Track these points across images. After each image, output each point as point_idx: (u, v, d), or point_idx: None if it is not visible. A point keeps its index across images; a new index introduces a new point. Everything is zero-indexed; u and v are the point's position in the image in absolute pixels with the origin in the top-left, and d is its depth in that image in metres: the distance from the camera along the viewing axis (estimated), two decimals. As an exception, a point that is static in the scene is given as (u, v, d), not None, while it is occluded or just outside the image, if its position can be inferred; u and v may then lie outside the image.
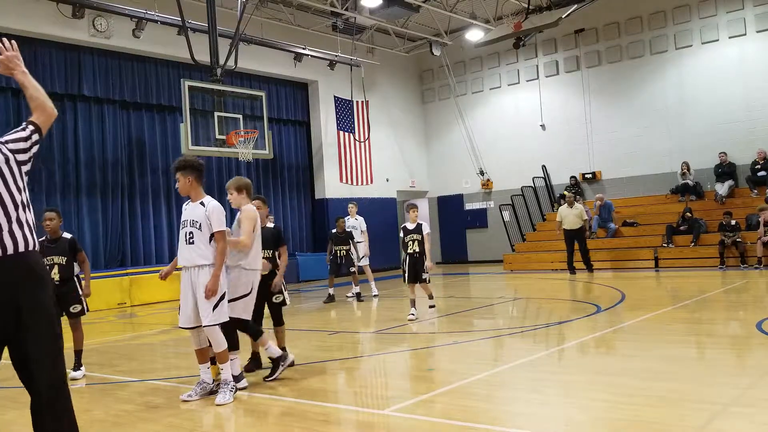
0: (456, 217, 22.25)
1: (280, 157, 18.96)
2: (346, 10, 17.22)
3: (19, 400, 6.02)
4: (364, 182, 20.22)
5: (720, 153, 16.66)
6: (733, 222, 14.93)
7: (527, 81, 20.65)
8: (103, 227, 15.04)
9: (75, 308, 6.92)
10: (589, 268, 15.48)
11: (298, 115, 19.69)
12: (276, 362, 6.03)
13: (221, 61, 14.25)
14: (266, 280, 6.21)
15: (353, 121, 19.71)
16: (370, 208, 19.18)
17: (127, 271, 14.81)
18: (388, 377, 6.23)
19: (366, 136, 20.11)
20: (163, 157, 16.36)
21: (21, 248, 2.99)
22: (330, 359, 7.06)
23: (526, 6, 17.51)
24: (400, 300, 12.70)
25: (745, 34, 16.93)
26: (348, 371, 6.59)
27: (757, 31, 16.77)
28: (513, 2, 18.08)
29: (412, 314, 9.34)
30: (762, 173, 16.12)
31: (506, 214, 19.80)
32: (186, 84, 13.73)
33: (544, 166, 19.99)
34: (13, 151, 3.17)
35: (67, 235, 6.90)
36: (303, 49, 17.99)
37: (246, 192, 5.93)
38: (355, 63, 19.22)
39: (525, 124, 20.51)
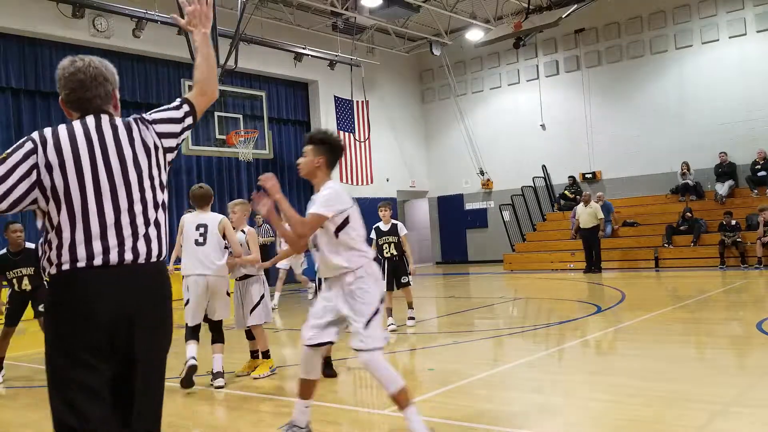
0: (456, 217, 22.25)
1: (280, 157, 18.95)
2: (346, 10, 17.21)
3: (17, 399, 6.02)
4: (364, 182, 20.22)
5: (720, 153, 16.66)
6: (733, 222, 14.93)
7: (527, 81, 20.64)
8: (103, 227, 15.04)
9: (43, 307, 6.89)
10: (598, 268, 15.48)
11: (298, 115, 19.68)
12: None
13: (221, 61, 14.25)
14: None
15: (353, 121, 19.71)
16: (370, 208, 19.16)
17: (127, 271, 14.79)
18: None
19: (366, 136, 20.11)
20: (163, 157, 16.35)
21: (153, 257, 2.42)
22: (330, 359, 7.05)
23: (526, 6, 17.51)
24: (399, 300, 12.72)
25: (745, 34, 16.93)
26: (348, 371, 6.59)
27: (757, 31, 16.77)
28: (513, 2, 18.08)
29: (392, 324, 8.51)
30: (762, 173, 16.11)
31: (506, 214, 19.80)
32: (186, 84, 13.75)
33: (544, 166, 19.99)
34: (162, 135, 2.51)
35: (30, 245, 6.88)
36: (303, 49, 17.99)
37: (247, 215, 6.38)
38: (355, 63, 19.22)
39: (525, 124, 20.50)
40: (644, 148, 18.17)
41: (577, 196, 17.86)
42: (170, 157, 2.55)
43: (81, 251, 2.27)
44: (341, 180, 19.76)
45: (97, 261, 2.27)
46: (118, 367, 2.32)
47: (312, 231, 4.03)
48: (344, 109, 19.39)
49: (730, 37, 17.13)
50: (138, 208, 2.38)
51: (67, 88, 2.58)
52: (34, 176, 2.33)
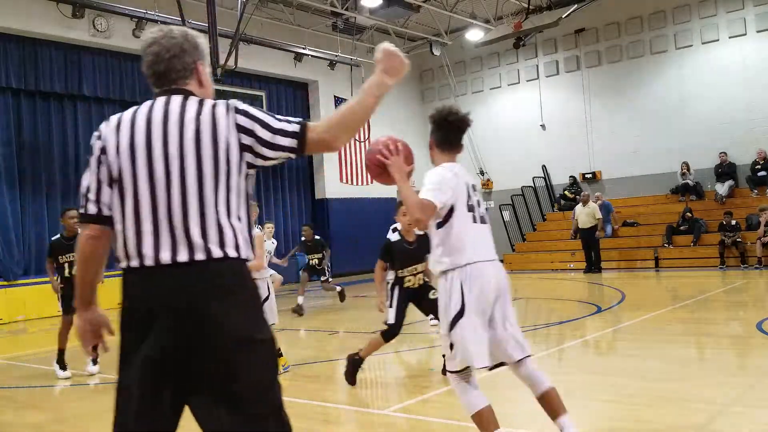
0: (456, 217, 22.21)
1: (280, 157, 18.95)
2: (346, 10, 17.21)
3: (17, 400, 6.02)
4: (364, 182, 20.22)
5: (720, 153, 16.66)
6: (733, 222, 14.93)
7: (527, 81, 20.64)
8: (103, 227, 15.04)
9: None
10: (598, 268, 15.48)
11: (298, 115, 19.58)
12: None
13: (221, 61, 14.25)
14: None
15: (353, 121, 19.70)
16: (370, 208, 19.19)
17: (127, 271, 14.81)
18: (388, 377, 6.23)
19: (366, 136, 20.10)
20: (163, 157, 16.35)
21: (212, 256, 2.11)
22: (330, 359, 7.06)
23: (526, 6, 17.50)
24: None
25: (745, 34, 16.92)
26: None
27: (757, 31, 16.76)
28: (513, 2, 18.07)
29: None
30: (762, 173, 16.11)
31: (506, 214, 19.79)
32: (186, 84, 13.73)
33: (544, 166, 19.99)
34: (243, 130, 2.15)
35: None
36: (303, 49, 17.98)
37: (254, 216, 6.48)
38: (355, 63, 19.21)
39: (525, 124, 20.50)
40: (644, 148, 18.16)
41: (577, 196, 17.86)
42: (249, 158, 2.17)
43: (135, 249, 2.08)
44: (341, 180, 19.78)
45: (148, 261, 2.06)
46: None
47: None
48: (344, 109, 19.38)
49: (730, 37, 17.12)
50: (194, 203, 2.08)
51: (146, 62, 2.25)
52: (104, 171, 2.16)
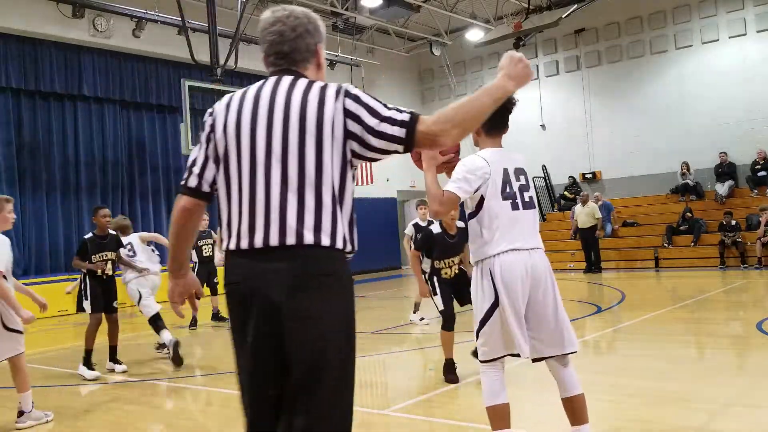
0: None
1: (280, 157, 18.96)
2: (346, 10, 17.21)
3: (16, 399, 6.01)
4: (364, 182, 20.20)
5: (720, 153, 16.65)
6: (733, 222, 14.93)
7: (527, 81, 20.62)
8: (103, 227, 15.03)
9: (116, 303, 6.96)
10: (598, 268, 15.47)
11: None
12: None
13: (221, 61, 14.24)
14: None
15: (353, 121, 19.70)
16: (370, 208, 19.18)
17: (127, 271, 14.82)
18: (388, 377, 6.23)
19: (366, 136, 20.09)
20: (163, 157, 16.36)
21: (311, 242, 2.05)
22: (330, 359, 7.05)
23: (526, 6, 17.51)
24: (399, 300, 12.71)
25: (745, 34, 16.92)
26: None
27: (757, 31, 16.76)
28: (513, 2, 18.07)
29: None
30: (762, 173, 16.11)
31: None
32: (186, 84, 13.73)
33: (544, 166, 19.98)
34: (350, 116, 2.07)
35: (113, 232, 7.05)
36: (303, 49, 17.96)
37: None
38: (355, 63, 19.21)
39: (525, 124, 20.47)
40: (644, 148, 18.16)
41: (577, 196, 17.86)
42: (356, 147, 2.09)
43: (233, 230, 2.07)
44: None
45: (243, 244, 2.04)
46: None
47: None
48: (344, 109, 19.38)
49: (730, 37, 17.12)
50: (293, 190, 2.02)
51: (266, 41, 2.20)
52: (211, 149, 2.17)
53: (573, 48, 19.70)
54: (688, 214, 16.04)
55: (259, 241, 2.02)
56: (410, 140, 2.05)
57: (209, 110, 2.23)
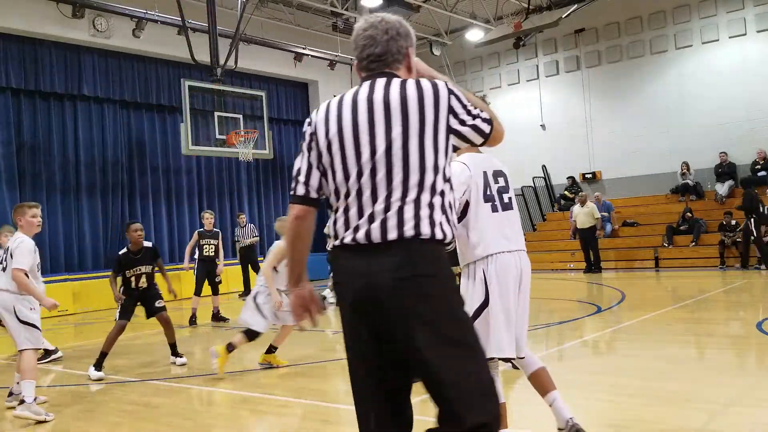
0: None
1: (280, 157, 18.95)
2: (346, 10, 17.21)
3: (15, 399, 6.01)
4: (364, 182, 20.22)
5: (720, 153, 16.65)
6: (733, 222, 14.92)
7: (527, 81, 20.63)
8: (103, 227, 15.04)
9: (160, 303, 7.10)
10: (598, 268, 15.47)
11: (298, 115, 19.68)
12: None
13: (221, 61, 14.25)
14: None
15: (353, 121, 19.70)
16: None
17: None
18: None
19: (366, 136, 20.09)
20: (163, 157, 16.36)
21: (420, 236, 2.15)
22: (330, 359, 7.06)
23: (526, 6, 17.50)
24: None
25: (745, 34, 16.92)
26: (348, 371, 6.59)
27: (757, 31, 16.76)
28: (513, 2, 18.07)
29: None
30: (762, 173, 16.11)
31: (506, 214, 19.74)
32: (186, 84, 13.74)
33: (544, 166, 19.97)
34: (453, 113, 2.22)
35: (148, 244, 7.21)
36: (303, 49, 17.98)
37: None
38: (355, 63, 19.20)
39: (525, 124, 20.46)
40: (644, 148, 18.16)
41: (577, 196, 17.86)
42: (454, 141, 2.24)
43: (344, 229, 2.17)
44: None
45: (347, 239, 2.16)
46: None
47: None
48: (344, 109, 19.37)
49: (730, 37, 17.11)
50: (398, 185, 2.13)
51: (359, 46, 2.35)
52: (314, 156, 2.29)
53: (573, 48, 19.69)
54: (688, 214, 16.04)
55: (376, 237, 2.11)
56: (490, 135, 2.29)
57: (307, 120, 2.36)
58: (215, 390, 5.86)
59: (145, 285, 6.98)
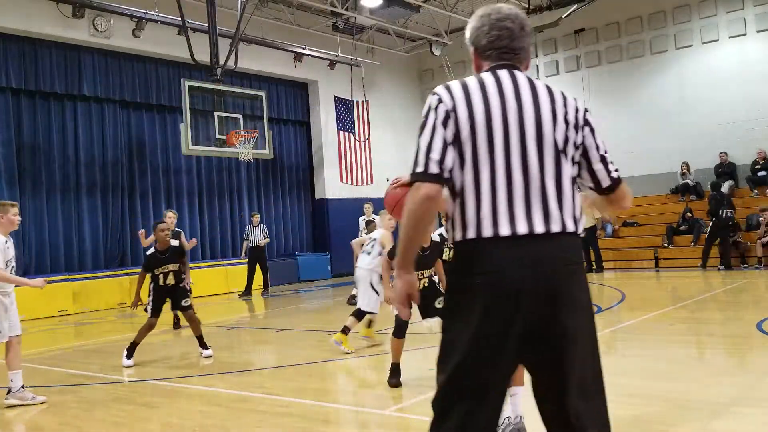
0: (456, 217, 22.22)
1: (280, 157, 18.95)
2: (346, 10, 17.20)
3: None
4: (364, 182, 20.21)
5: (720, 153, 16.65)
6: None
7: (527, 81, 20.63)
8: (103, 227, 15.04)
9: (186, 301, 7.45)
10: (600, 267, 15.47)
11: (298, 115, 19.68)
12: None
13: (221, 61, 14.25)
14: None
15: (353, 121, 19.70)
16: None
17: (127, 271, 14.80)
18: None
19: (366, 136, 20.10)
20: (163, 157, 16.36)
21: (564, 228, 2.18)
22: (330, 359, 7.06)
23: (526, 6, 17.50)
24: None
25: (745, 34, 16.92)
26: (348, 371, 6.59)
27: (757, 31, 16.76)
28: (513, 2, 18.07)
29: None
30: (762, 173, 16.11)
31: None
32: (186, 84, 13.74)
33: (544, 166, 19.97)
34: (580, 128, 2.29)
35: (174, 243, 7.48)
36: (303, 49, 17.98)
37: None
38: (355, 63, 19.21)
39: (525, 124, 20.49)
40: (644, 148, 18.15)
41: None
42: (577, 157, 2.26)
43: (487, 218, 2.10)
44: (341, 180, 19.76)
45: (504, 231, 2.08)
46: (536, 351, 2.15)
47: None
48: (344, 109, 19.38)
49: (730, 37, 17.11)
50: (549, 174, 2.15)
51: (492, 35, 2.30)
52: (450, 135, 2.15)
53: (573, 48, 19.70)
54: (688, 214, 16.03)
55: (522, 228, 2.07)
56: (616, 186, 2.31)
57: (437, 96, 2.21)
58: (215, 390, 5.86)
59: (172, 282, 7.29)
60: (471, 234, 2.11)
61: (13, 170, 13.68)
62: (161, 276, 7.24)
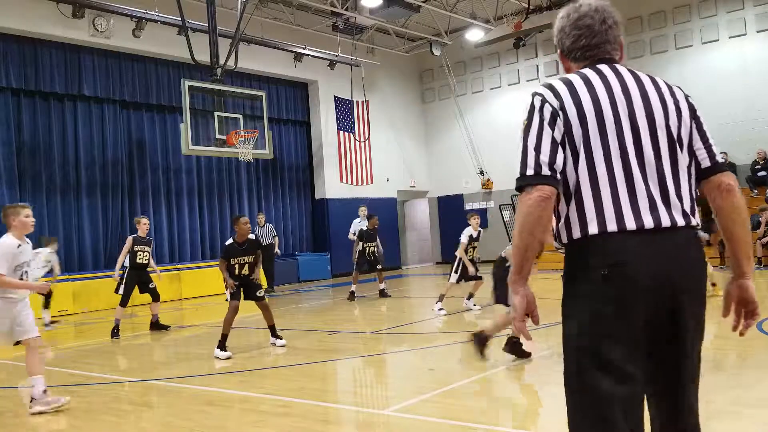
0: (456, 217, 22.17)
1: (280, 157, 18.96)
2: (346, 10, 17.21)
3: (15, 399, 6.02)
4: (364, 182, 20.22)
5: (720, 153, 16.62)
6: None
7: (527, 81, 20.64)
8: (103, 227, 15.03)
9: (260, 292, 7.84)
10: None
11: (298, 115, 19.68)
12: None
13: (221, 61, 14.25)
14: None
15: (353, 121, 19.71)
16: (369, 208, 19.16)
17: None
18: (388, 377, 6.23)
19: (366, 136, 20.10)
20: (163, 157, 16.35)
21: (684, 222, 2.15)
22: (330, 359, 7.06)
23: (526, 6, 17.51)
24: (399, 300, 12.73)
25: (745, 34, 16.92)
26: (348, 371, 6.59)
27: (757, 31, 16.76)
28: (513, 2, 18.07)
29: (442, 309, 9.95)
30: (762, 173, 16.11)
31: (506, 214, 19.78)
32: (186, 84, 13.73)
33: (544, 166, 19.98)
34: (694, 121, 2.36)
35: (251, 236, 7.82)
36: (303, 49, 17.98)
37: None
38: (355, 63, 19.21)
39: (525, 124, 20.48)
40: (644, 148, 18.16)
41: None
42: (685, 142, 2.26)
43: (609, 213, 2.06)
44: (341, 180, 19.77)
45: (630, 225, 2.05)
46: (659, 353, 2.12)
47: None
48: (344, 109, 19.39)
49: (730, 37, 17.12)
50: (667, 167, 2.13)
51: (572, 36, 2.28)
52: (558, 134, 2.12)
53: (573, 48, 19.69)
54: (689, 214, 16.04)
55: (648, 222, 2.06)
56: (716, 170, 2.31)
57: (540, 97, 2.23)
58: (215, 390, 5.86)
59: (247, 272, 7.66)
60: (593, 230, 2.07)
61: (13, 170, 13.68)
62: (237, 266, 7.57)
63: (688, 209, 2.13)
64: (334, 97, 19.23)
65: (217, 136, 14.38)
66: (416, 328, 8.82)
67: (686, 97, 2.29)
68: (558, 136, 2.12)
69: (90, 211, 14.81)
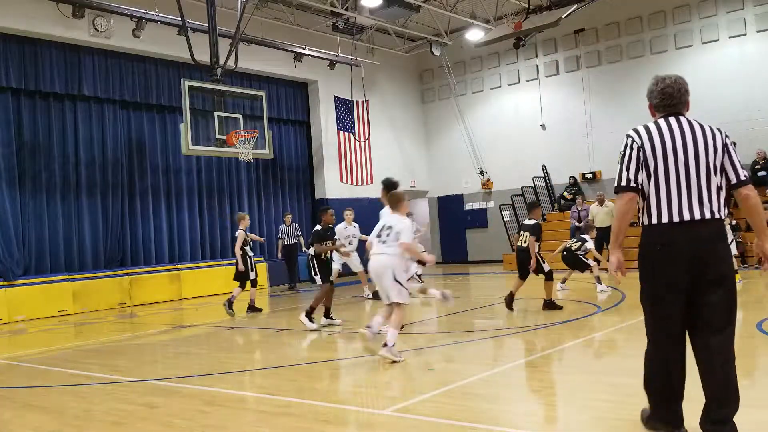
0: (456, 217, 22.24)
1: (280, 157, 18.95)
2: (346, 10, 17.21)
3: (16, 400, 6.02)
4: (364, 182, 20.22)
5: (743, 170, 16.60)
6: (733, 222, 14.92)
7: (527, 81, 20.64)
8: (103, 227, 15.03)
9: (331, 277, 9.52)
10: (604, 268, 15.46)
11: (298, 115, 19.68)
12: None
13: (221, 61, 14.25)
14: None
15: (353, 121, 19.71)
16: (370, 208, 19.14)
17: (127, 271, 14.82)
18: (388, 377, 6.22)
19: (366, 136, 20.10)
20: (163, 157, 16.35)
21: (715, 216, 3.52)
22: (330, 359, 7.06)
23: (526, 6, 17.51)
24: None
25: (745, 34, 16.93)
26: (348, 371, 6.59)
27: (757, 31, 16.76)
28: (513, 2, 18.07)
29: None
30: (762, 173, 16.10)
31: (506, 214, 19.78)
32: (186, 84, 13.73)
33: (544, 166, 19.98)
34: (725, 151, 3.61)
35: (330, 225, 9.35)
36: (303, 49, 17.98)
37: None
38: (355, 63, 19.21)
39: (525, 124, 20.50)
40: (644, 148, 18.14)
41: (576, 197, 17.86)
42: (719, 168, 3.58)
43: (665, 211, 3.50)
44: (341, 180, 19.77)
45: (676, 218, 3.48)
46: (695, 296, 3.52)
47: None
48: (344, 109, 19.39)
49: (730, 37, 17.12)
50: (704, 183, 3.49)
51: (659, 98, 3.66)
52: (640, 160, 3.54)
53: (573, 48, 19.70)
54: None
55: (691, 215, 3.47)
56: (743, 184, 3.58)
57: (631, 138, 3.60)
58: (215, 390, 5.86)
59: (329, 256, 9.16)
60: (655, 220, 3.55)
61: (13, 170, 13.68)
62: (325, 246, 8.95)
63: (715, 209, 3.49)
64: (334, 97, 19.23)
65: (217, 136, 14.38)
66: (416, 328, 8.81)
67: (723, 137, 3.60)
68: (641, 162, 3.55)
69: (90, 211, 14.81)
